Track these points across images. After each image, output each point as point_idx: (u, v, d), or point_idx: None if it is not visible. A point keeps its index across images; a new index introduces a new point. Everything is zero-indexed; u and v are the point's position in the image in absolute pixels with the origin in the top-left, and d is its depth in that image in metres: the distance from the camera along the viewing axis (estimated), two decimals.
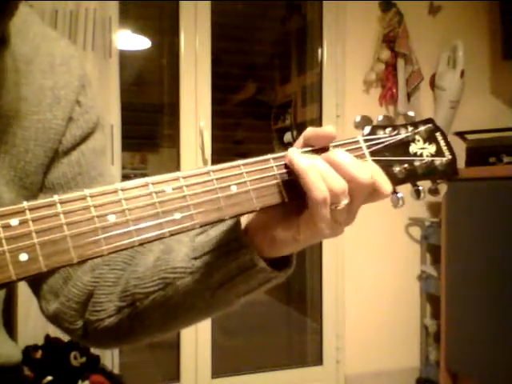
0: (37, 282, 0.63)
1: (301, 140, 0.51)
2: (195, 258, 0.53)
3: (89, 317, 0.61)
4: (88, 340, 0.64)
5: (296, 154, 0.47)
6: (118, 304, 0.59)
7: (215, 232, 0.53)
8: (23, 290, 1.80)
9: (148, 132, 2.74)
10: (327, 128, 0.49)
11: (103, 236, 0.40)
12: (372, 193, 0.48)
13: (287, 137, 2.75)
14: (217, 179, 0.45)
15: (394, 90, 2.47)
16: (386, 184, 0.48)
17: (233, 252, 0.50)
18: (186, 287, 0.53)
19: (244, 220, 0.52)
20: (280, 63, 3.14)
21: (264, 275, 0.51)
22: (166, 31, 2.65)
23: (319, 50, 2.58)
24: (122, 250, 0.41)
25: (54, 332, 1.89)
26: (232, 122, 3.03)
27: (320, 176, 0.45)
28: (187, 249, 0.54)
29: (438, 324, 2.41)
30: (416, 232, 2.61)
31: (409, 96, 2.49)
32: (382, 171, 0.49)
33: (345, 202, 0.45)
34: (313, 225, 0.46)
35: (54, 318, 0.63)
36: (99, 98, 1.99)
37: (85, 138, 0.63)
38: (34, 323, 1.89)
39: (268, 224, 0.49)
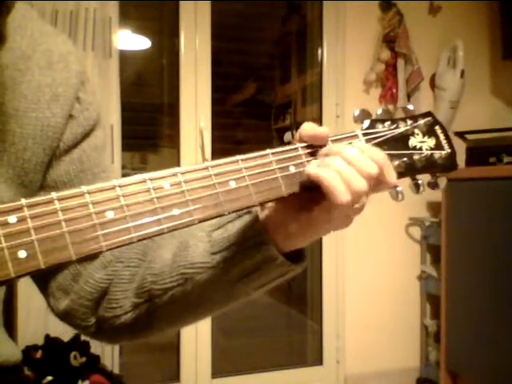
0: (44, 280, 0.63)
1: (297, 136, 0.51)
2: (214, 253, 0.53)
3: (104, 314, 0.61)
4: (101, 336, 0.64)
5: (313, 168, 0.47)
6: (135, 300, 0.59)
7: (233, 227, 0.53)
8: (23, 290, 1.80)
9: (148, 132, 2.74)
10: (321, 129, 0.50)
11: (101, 232, 0.40)
12: (378, 182, 0.48)
13: (287, 137, 2.75)
14: (215, 174, 0.45)
15: (394, 90, 2.47)
16: (391, 173, 0.49)
17: (253, 248, 0.51)
18: (205, 282, 0.54)
19: (260, 216, 0.52)
20: (280, 63, 3.14)
21: (282, 269, 0.52)
22: (166, 31, 2.65)
23: (319, 50, 2.58)
24: (120, 246, 0.41)
25: (54, 332, 1.89)
26: (232, 122, 3.03)
27: (342, 179, 0.45)
28: (205, 244, 0.54)
29: (438, 324, 2.41)
30: (416, 232, 2.60)
31: (409, 96, 2.49)
32: (387, 158, 0.49)
33: (365, 200, 0.47)
34: (328, 221, 0.48)
35: (65, 316, 0.63)
36: (99, 97, 2.00)
37: (86, 136, 0.63)
38: (34, 323, 1.89)
39: (281, 219, 0.50)
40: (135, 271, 0.61)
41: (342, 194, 0.45)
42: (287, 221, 0.50)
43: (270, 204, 0.51)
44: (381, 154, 0.49)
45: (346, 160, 0.47)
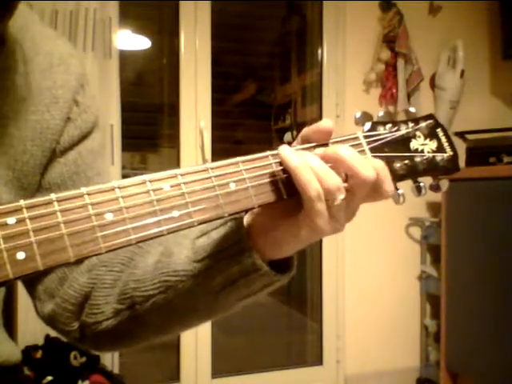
0: (32, 283, 0.63)
1: (299, 140, 0.50)
2: (197, 261, 0.52)
3: (86, 319, 0.60)
4: (85, 342, 0.63)
5: (288, 152, 0.46)
6: (117, 306, 0.58)
7: (217, 234, 0.52)
8: (23, 291, 1.80)
9: (148, 132, 2.74)
10: (324, 122, 0.49)
11: (100, 234, 0.40)
12: (373, 191, 0.47)
13: (287, 137, 2.75)
14: (215, 176, 0.45)
15: (394, 90, 2.47)
16: (388, 183, 0.48)
17: (235, 255, 0.49)
18: (187, 290, 0.52)
19: (245, 223, 0.51)
20: (280, 63, 3.14)
21: (266, 279, 0.50)
22: (165, 31, 2.65)
23: (319, 50, 2.58)
24: (119, 248, 0.40)
25: (54, 332, 1.88)
26: (232, 122, 3.02)
27: (313, 173, 0.44)
28: (188, 251, 0.53)
29: (438, 324, 2.41)
30: (416, 232, 2.60)
31: (409, 96, 2.49)
32: (387, 169, 0.48)
33: (341, 197, 0.45)
34: (310, 221, 0.46)
35: (49, 320, 0.63)
36: (99, 97, 2.00)
37: (82, 138, 0.63)
38: (33, 323, 1.89)
39: (268, 225, 0.49)
40: (118, 276, 0.60)
41: (310, 186, 0.44)
42: (274, 226, 0.48)
43: (255, 210, 0.49)
44: (379, 163, 0.48)
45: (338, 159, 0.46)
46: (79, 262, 0.40)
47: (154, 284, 0.55)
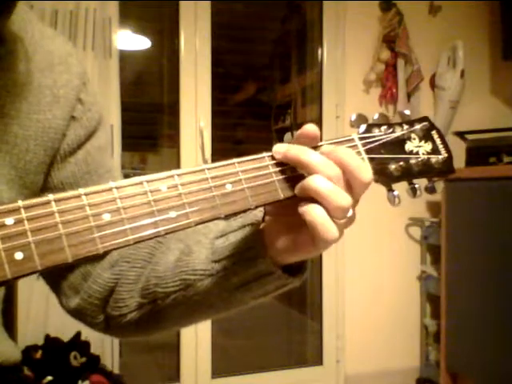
0: (55, 280, 0.65)
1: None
2: (215, 261, 0.54)
3: (111, 312, 0.63)
4: (110, 332, 0.66)
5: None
6: (140, 300, 0.61)
7: (235, 238, 0.54)
8: (23, 290, 1.80)
9: (148, 132, 2.74)
10: (307, 127, 0.48)
11: (98, 235, 0.40)
12: (350, 182, 0.46)
13: (287, 137, 2.75)
14: (212, 177, 0.45)
15: (394, 90, 2.47)
16: (363, 171, 0.46)
17: (250, 259, 0.51)
18: (206, 288, 0.55)
19: (262, 227, 0.52)
20: (280, 63, 3.14)
21: (279, 281, 0.52)
22: (166, 31, 2.65)
23: (319, 50, 2.58)
24: (117, 248, 0.41)
25: (54, 332, 1.89)
26: (232, 122, 3.03)
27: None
28: (207, 251, 0.55)
29: (438, 324, 2.41)
30: (416, 232, 2.60)
31: (409, 96, 2.49)
32: (355, 156, 0.47)
33: (349, 214, 0.46)
34: (321, 242, 0.46)
35: (76, 313, 0.65)
36: (99, 98, 2.00)
37: (89, 137, 0.64)
38: (34, 323, 1.89)
39: (283, 234, 0.50)
40: (140, 272, 0.62)
41: (328, 231, 0.45)
42: (287, 233, 0.49)
43: (272, 216, 0.51)
44: (346, 152, 0.47)
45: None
46: (77, 262, 0.40)
47: (174, 282, 0.57)
